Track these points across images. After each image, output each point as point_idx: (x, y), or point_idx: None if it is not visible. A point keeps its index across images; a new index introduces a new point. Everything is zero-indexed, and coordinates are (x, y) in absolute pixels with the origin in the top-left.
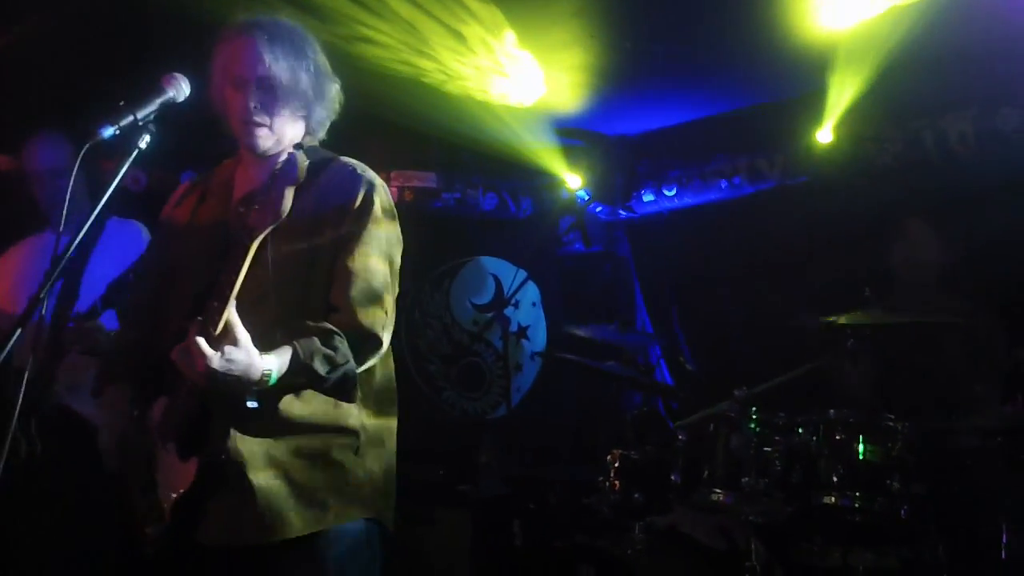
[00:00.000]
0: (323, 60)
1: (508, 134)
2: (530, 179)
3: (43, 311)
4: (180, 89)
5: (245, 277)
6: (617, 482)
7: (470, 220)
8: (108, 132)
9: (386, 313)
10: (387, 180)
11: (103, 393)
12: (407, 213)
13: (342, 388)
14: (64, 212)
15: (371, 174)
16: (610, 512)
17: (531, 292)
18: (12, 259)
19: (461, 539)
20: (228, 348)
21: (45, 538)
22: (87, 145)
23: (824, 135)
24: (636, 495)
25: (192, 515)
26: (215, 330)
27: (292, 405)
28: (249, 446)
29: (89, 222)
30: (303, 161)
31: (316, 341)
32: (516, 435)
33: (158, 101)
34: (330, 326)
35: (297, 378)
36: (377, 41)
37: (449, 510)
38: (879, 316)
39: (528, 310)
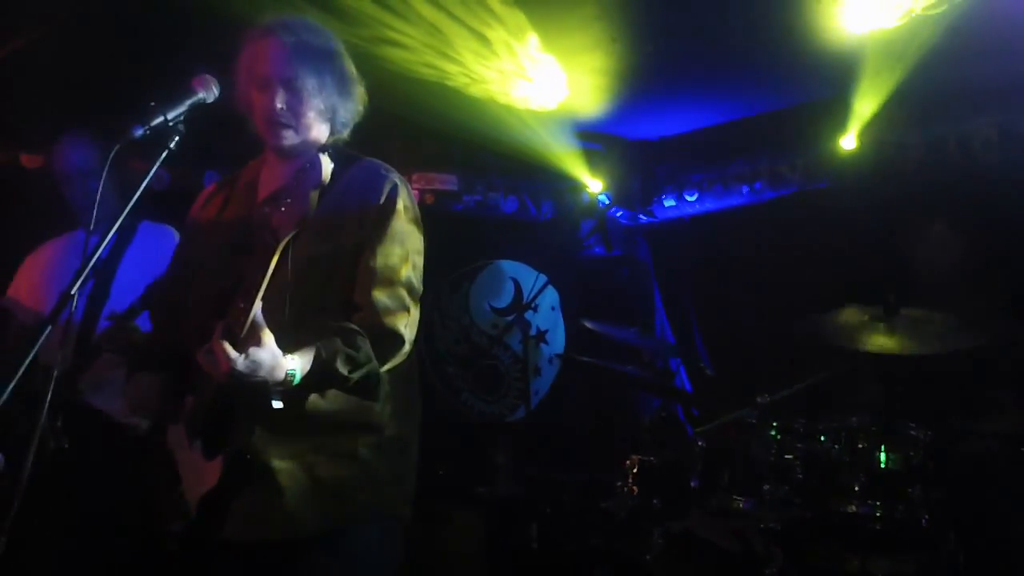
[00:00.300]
0: (348, 62)
1: (530, 137)
2: (551, 182)
3: (73, 310)
4: (211, 90)
5: (266, 251)
6: (635, 487)
7: (491, 222)
8: (139, 133)
9: (409, 313)
10: (409, 182)
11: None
12: (428, 215)
13: (365, 388)
14: (94, 213)
15: (395, 175)
16: (628, 516)
17: (550, 296)
18: (43, 257)
19: (475, 539)
20: (252, 349)
21: (67, 533)
22: (118, 146)
23: (848, 141)
24: (654, 500)
25: (218, 512)
26: (241, 332)
27: (317, 402)
28: (275, 443)
29: (119, 221)
30: (327, 163)
31: (338, 341)
32: (533, 437)
33: (188, 102)
34: (353, 326)
35: (320, 378)
36: (401, 43)
37: (464, 510)
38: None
39: (547, 314)
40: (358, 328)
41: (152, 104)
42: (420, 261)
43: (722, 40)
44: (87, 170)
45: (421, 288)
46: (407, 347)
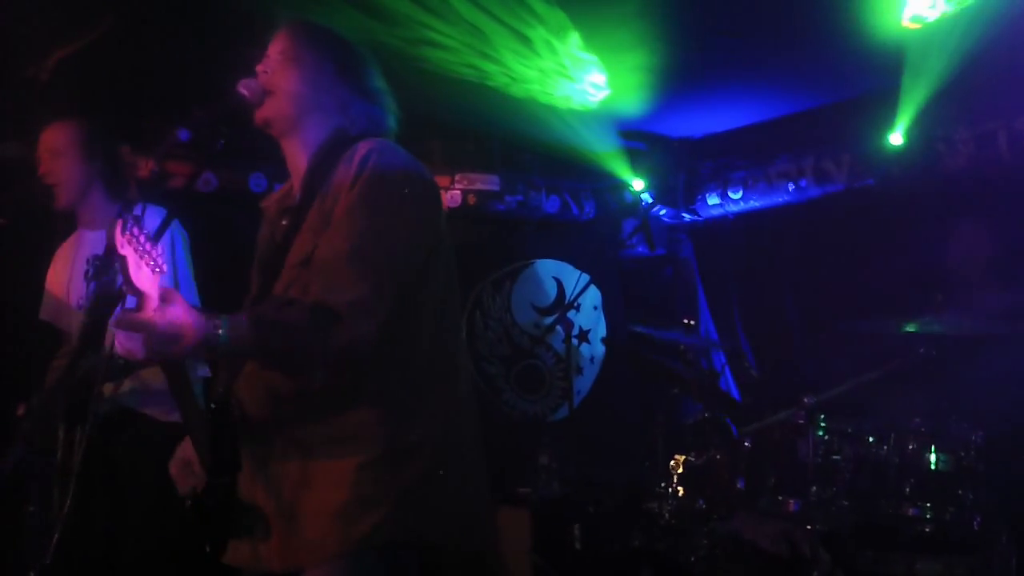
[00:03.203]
0: (363, 62)
1: (572, 136)
2: (593, 182)
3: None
4: (256, 93)
5: (277, 266)
6: (680, 487)
7: (532, 223)
8: (184, 136)
9: (355, 284)
10: (451, 182)
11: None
12: (470, 215)
13: (296, 361)
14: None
15: (377, 143)
16: (672, 517)
17: (593, 295)
18: (56, 260)
19: (521, 540)
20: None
21: (108, 540)
22: (165, 148)
23: (896, 137)
24: (699, 501)
25: (217, 537)
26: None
27: (303, 418)
28: (260, 467)
29: (165, 231)
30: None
31: (272, 308)
32: (576, 437)
33: (233, 105)
34: (293, 298)
35: (244, 339)
36: (441, 44)
37: (509, 510)
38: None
39: (589, 313)
40: (299, 301)
41: (197, 107)
42: (401, 234)
43: (766, 35)
44: (81, 154)
45: (400, 264)
46: (345, 319)
